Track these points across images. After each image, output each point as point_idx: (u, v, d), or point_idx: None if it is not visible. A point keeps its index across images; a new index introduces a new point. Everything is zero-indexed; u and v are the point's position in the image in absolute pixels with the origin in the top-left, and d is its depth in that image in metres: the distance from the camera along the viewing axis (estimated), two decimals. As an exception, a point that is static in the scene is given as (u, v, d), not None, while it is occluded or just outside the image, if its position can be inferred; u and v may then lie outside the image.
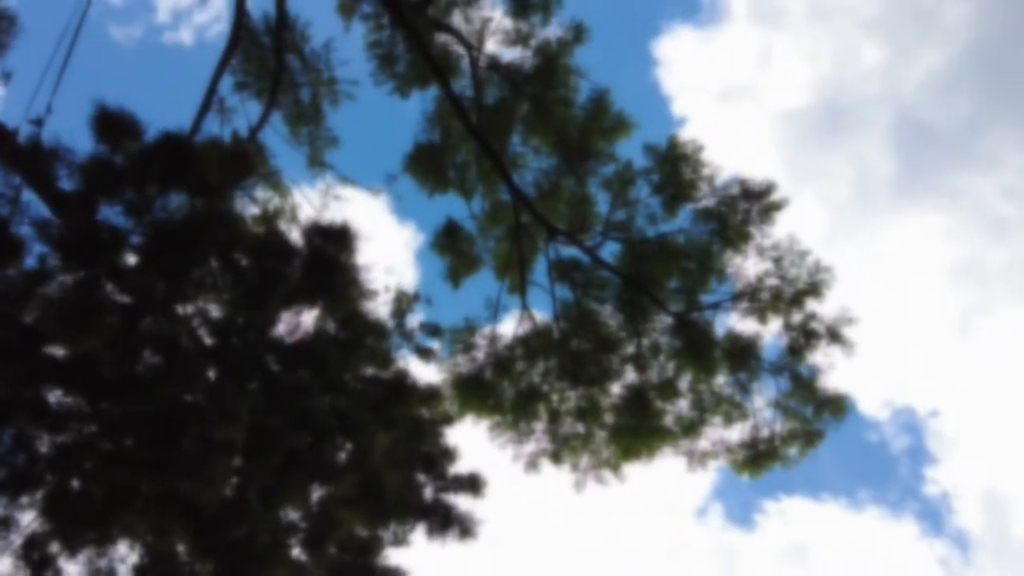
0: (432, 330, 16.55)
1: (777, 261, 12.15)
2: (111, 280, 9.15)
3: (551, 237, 13.22)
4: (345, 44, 15.03)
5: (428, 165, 14.41)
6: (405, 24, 12.44)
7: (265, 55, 13.92)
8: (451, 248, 15.65)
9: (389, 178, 15.83)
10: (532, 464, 12.75)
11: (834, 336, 11.94)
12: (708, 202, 12.65)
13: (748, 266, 12.34)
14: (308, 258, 11.67)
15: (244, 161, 10.57)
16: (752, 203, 12.16)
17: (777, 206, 12.18)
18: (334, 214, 17.00)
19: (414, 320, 17.62)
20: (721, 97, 30.83)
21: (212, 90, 13.41)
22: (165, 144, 8.63)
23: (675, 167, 12.58)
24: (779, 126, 31.76)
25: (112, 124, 7.96)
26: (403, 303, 17.33)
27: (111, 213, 8.77)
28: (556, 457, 12.70)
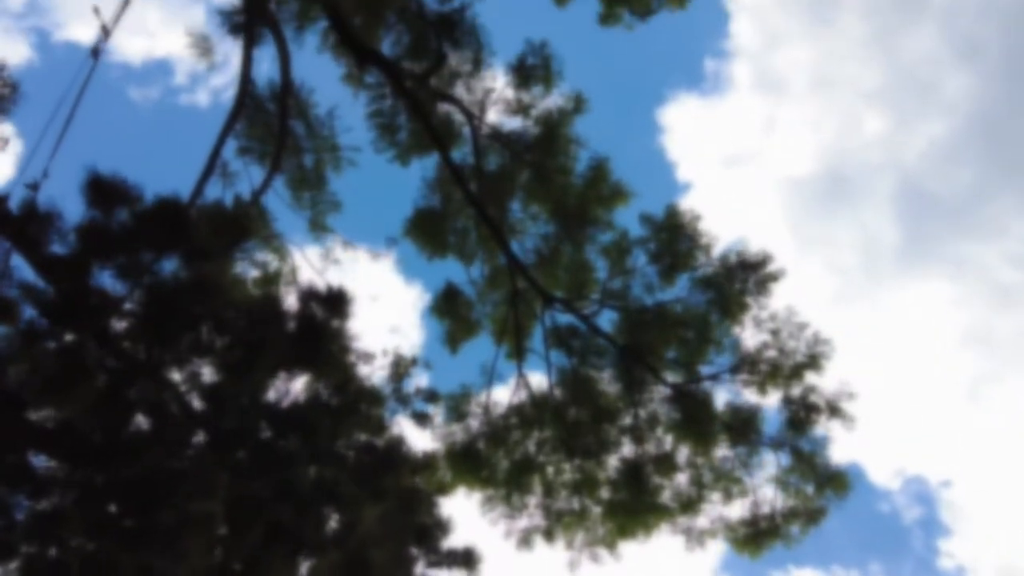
0: (429, 395, 16.34)
1: (775, 333, 12.01)
2: (99, 344, 9.08)
3: (547, 304, 13.14)
4: (348, 110, 15.26)
5: (428, 230, 14.47)
6: (406, 94, 12.64)
7: (270, 121, 14.12)
8: (450, 312, 15.60)
9: (390, 241, 15.92)
10: (525, 540, 12.39)
11: (834, 411, 11.71)
12: (706, 271, 12.59)
13: (746, 337, 12.20)
14: (299, 324, 11.63)
15: (240, 226, 10.59)
16: (749, 274, 12.09)
17: (774, 277, 12.12)
18: (337, 276, 16.98)
19: (412, 384, 17.46)
20: (726, 164, 31.21)
21: (215, 154, 13.58)
22: (160, 209, 8.67)
23: (672, 236, 12.57)
24: (783, 193, 32.02)
25: (104, 190, 7.97)
26: (401, 367, 17.15)
27: (104, 277, 8.77)
28: (549, 534, 12.34)
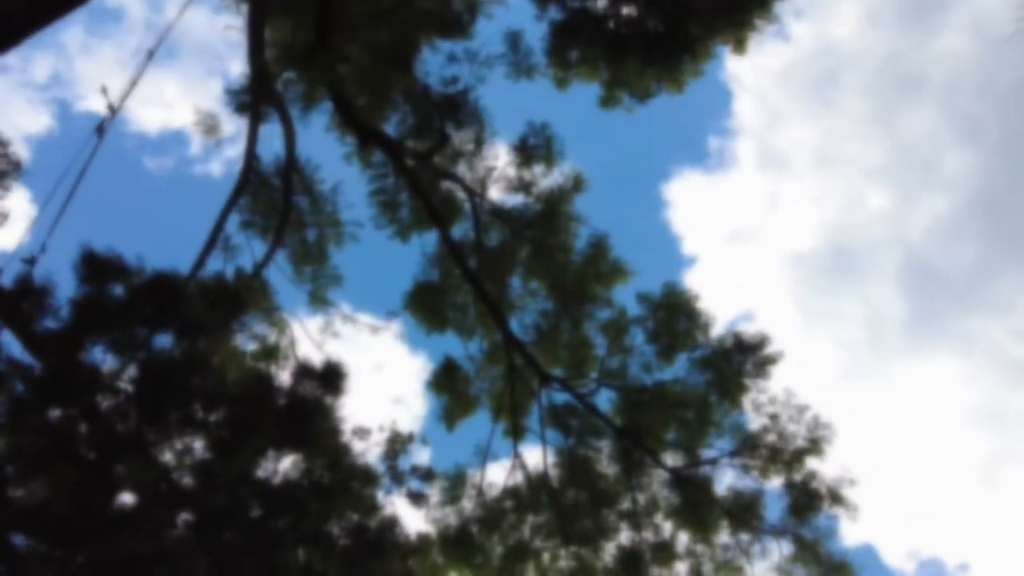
0: (425, 474, 16.05)
1: (774, 417, 11.81)
2: (88, 420, 8.97)
3: (544, 382, 13.00)
4: (352, 185, 15.48)
5: (427, 305, 14.47)
6: (407, 173, 12.84)
7: (274, 196, 14.33)
8: (448, 388, 15.44)
9: (390, 315, 15.91)
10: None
11: (836, 498, 11.40)
12: (704, 352, 12.48)
13: (746, 420, 12.00)
14: (291, 401, 11.50)
15: (236, 300, 10.62)
16: (747, 355, 11.97)
17: (772, 359, 11.98)
18: (341, 346, 16.84)
19: (408, 461, 17.15)
20: (730, 239, 31.42)
21: (218, 228, 13.74)
22: (154, 285, 8.70)
23: (671, 315, 12.52)
24: (788, 268, 32.10)
25: (98, 266, 8.02)
26: (397, 444, 16.91)
27: (96, 352, 8.73)
28: None
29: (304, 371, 12.59)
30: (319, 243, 15.02)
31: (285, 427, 10.28)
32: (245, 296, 11.18)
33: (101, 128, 8.79)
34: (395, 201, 13.86)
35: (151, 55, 9.75)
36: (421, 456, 15.97)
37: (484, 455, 12.67)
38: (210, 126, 12.60)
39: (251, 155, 12.88)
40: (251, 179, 13.25)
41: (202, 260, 13.89)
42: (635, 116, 17.00)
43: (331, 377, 13.10)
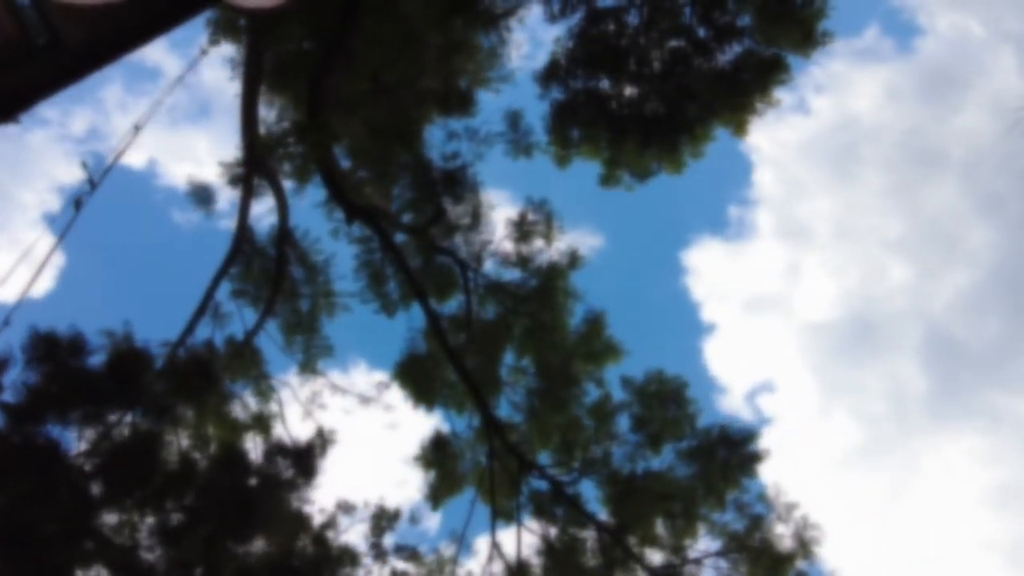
0: (410, 555, 15.59)
1: (758, 518, 11.31)
2: (44, 496, 8.81)
3: (524, 470, 12.63)
4: (345, 255, 15.44)
5: (415, 379, 14.25)
6: (393, 249, 12.82)
7: (267, 266, 14.36)
8: (436, 463, 15.10)
9: (380, 387, 15.69)
10: None
11: (824, 609, 10.80)
12: (691, 443, 12.08)
13: (733, 518, 11.49)
14: (260, 482, 11.29)
15: (206, 377, 10.52)
16: (733, 451, 11.55)
17: (759, 457, 11.54)
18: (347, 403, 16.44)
19: (393, 538, 16.70)
20: (749, 307, 31.09)
21: (208, 296, 13.76)
22: (117, 362, 8.62)
23: (659, 403, 12.18)
24: (808, 338, 31.56)
25: (49, 348, 7.97)
26: (382, 520, 16.52)
27: (54, 431, 8.62)
28: None
29: (276, 451, 12.43)
30: (311, 313, 14.97)
31: (250, 510, 10.05)
32: (217, 372, 11.07)
33: (79, 202, 8.85)
34: (382, 275, 13.80)
35: (137, 130, 9.89)
36: (428, 520, 15.50)
37: (460, 541, 12.23)
38: (203, 197, 12.74)
39: (242, 226, 12.96)
40: (243, 249, 13.30)
41: (191, 327, 13.89)
42: (656, 184, 17.01)
43: (305, 457, 12.90)
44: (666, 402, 12.29)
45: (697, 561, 11.62)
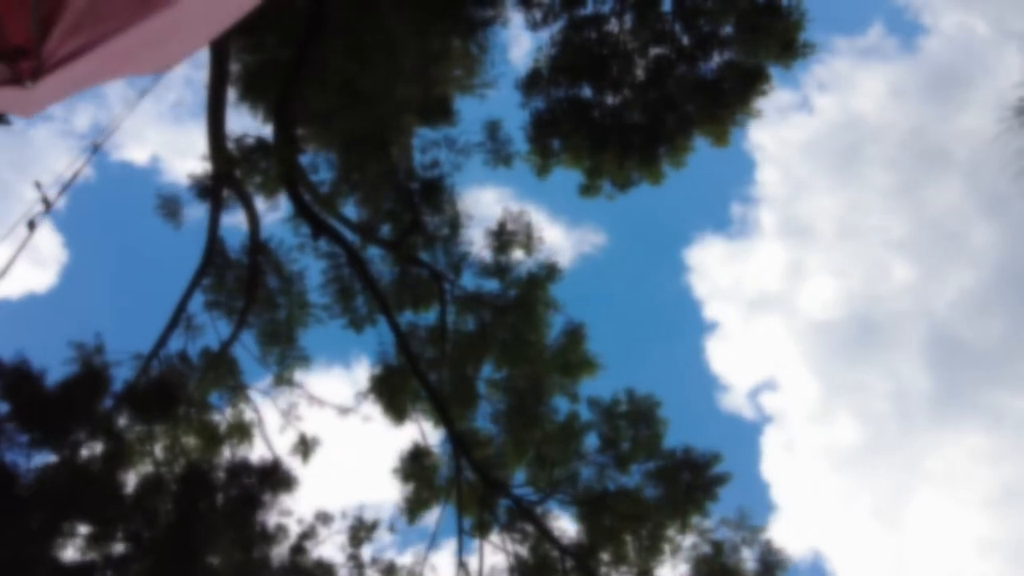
0: (387, 569, 15.50)
1: (722, 544, 11.19)
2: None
3: (490, 489, 12.53)
4: (315, 266, 15.28)
5: (388, 393, 14.15)
6: (358, 264, 12.71)
7: (241, 276, 14.28)
8: (414, 475, 15.01)
9: (358, 397, 15.59)
10: None
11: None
12: (658, 464, 11.95)
13: (698, 541, 11.37)
14: (228, 500, 11.21)
15: (168, 396, 10.45)
16: (695, 474, 11.42)
17: (721, 480, 11.40)
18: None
19: (371, 550, 16.63)
20: (752, 305, 31.05)
21: (181, 308, 13.70)
22: (69, 388, 8.54)
23: (629, 423, 12.07)
24: (811, 337, 31.51)
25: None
26: (361, 532, 16.44)
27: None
28: None
29: (242, 468, 12.36)
30: (287, 323, 14.89)
31: (209, 532, 9.99)
32: (181, 392, 10.99)
33: (32, 224, 8.75)
34: (350, 290, 13.69)
35: (96, 149, 9.79)
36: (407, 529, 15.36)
37: (425, 559, 12.17)
38: (171, 210, 12.64)
39: (212, 238, 12.87)
40: (214, 261, 13.22)
41: (164, 339, 13.84)
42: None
43: (272, 472, 12.84)
44: (637, 422, 12.17)
45: (663, 584, 11.53)
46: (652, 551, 11.67)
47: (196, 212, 14.12)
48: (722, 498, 13.31)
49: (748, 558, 11.10)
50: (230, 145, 11.86)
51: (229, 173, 12.00)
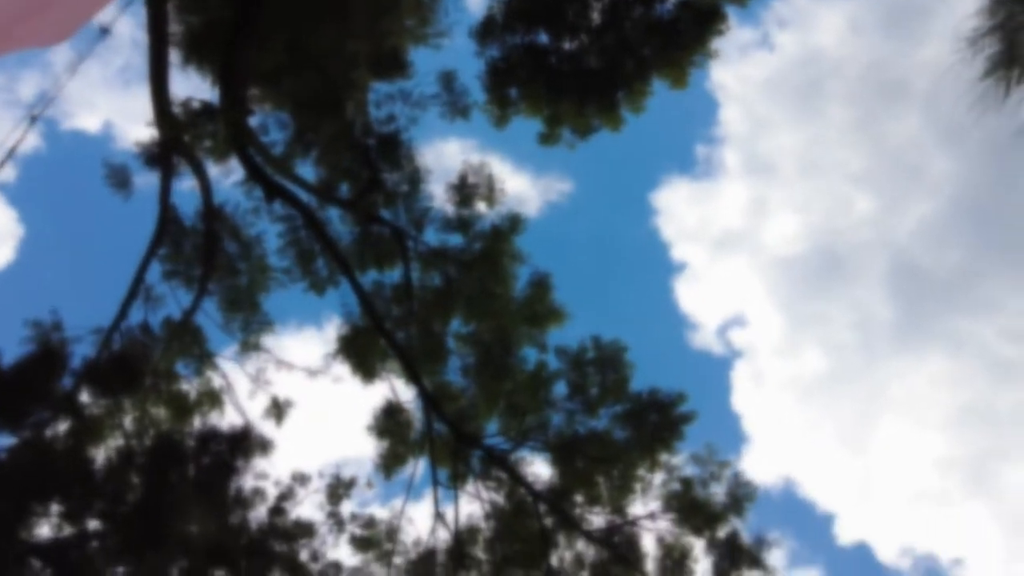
0: (366, 523, 15.69)
1: (691, 480, 11.54)
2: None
3: (461, 441, 12.69)
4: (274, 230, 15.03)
5: (356, 352, 14.14)
6: (316, 225, 12.55)
7: (198, 243, 14.04)
8: (389, 432, 15.12)
9: (327, 358, 15.56)
10: None
11: (754, 561, 11.08)
12: (626, 407, 12.19)
13: (668, 478, 11.71)
14: (199, 468, 11.23)
15: (131, 371, 10.34)
16: (662, 414, 11.68)
17: (686, 419, 11.71)
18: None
19: (351, 506, 16.82)
20: (718, 245, 31.57)
21: (139, 279, 13.47)
22: (25, 370, 8.40)
23: (597, 369, 12.24)
24: (775, 273, 32.22)
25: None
26: (339, 489, 16.60)
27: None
28: None
29: (212, 434, 12.35)
30: (249, 289, 14.72)
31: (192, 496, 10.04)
32: (141, 367, 10.88)
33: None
34: (309, 253, 13.55)
35: (35, 118, 9.48)
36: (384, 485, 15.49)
37: (402, 512, 12.38)
38: (121, 180, 12.31)
39: (165, 207, 12.60)
40: (168, 230, 12.97)
41: (124, 312, 13.63)
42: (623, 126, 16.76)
43: (242, 439, 12.86)
44: (604, 368, 12.35)
45: (633, 522, 11.85)
46: (624, 490, 11.98)
47: (147, 180, 13.83)
48: (694, 434, 13.78)
49: (717, 491, 11.47)
50: (176, 110, 11.54)
51: (177, 139, 11.68)
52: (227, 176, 12.83)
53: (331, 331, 15.72)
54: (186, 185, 13.03)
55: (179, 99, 11.54)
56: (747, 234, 32.35)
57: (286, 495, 15.83)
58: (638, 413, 12.00)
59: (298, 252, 13.47)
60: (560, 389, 12.79)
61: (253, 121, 12.15)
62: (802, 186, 31.26)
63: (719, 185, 30.77)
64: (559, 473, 12.26)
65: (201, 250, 13.69)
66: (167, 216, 12.79)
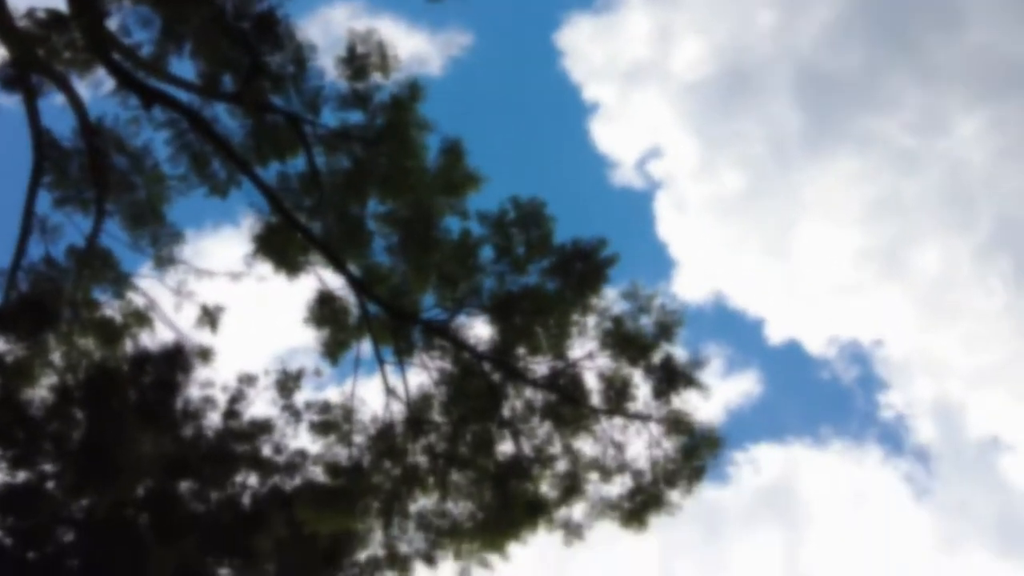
0: (322, 408, 16.06)
1: (621, 317, 12.13)
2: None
3: (397, 318, 12.90)
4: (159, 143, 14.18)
5: (274, 249, 13.90)
6: (202, 126, 11.92)
7: (83, 162, 13.23)
8: (326, 320, 15.19)
9: (247, 260, 15.27)
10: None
11: (689, 381, 11.95)
12: (551, 260, 12.51)
13: (600, 319, 12.30)
14: (139, 392, 11.20)
15: (44, 310, 9.99)
16: (586, 261, 12.07)
17: (610, 262, 12.14)
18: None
19: (303, 396, 17.18)
20: (628, 79, 31.40)
21: (29, 214, 12.72)
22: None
23: (519, 227, 12.42)
24: (686, 99, 32.49)
25: None
26: (288, 383, 16.86)
27: None
28: (430, 558, 12.49)
29: (145, 356, 12.22)
30: (149, 203, 14.10)
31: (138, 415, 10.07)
32: (54, 303, 10.51)
33: None
34: (202, 156, 12.92)
35: None
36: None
37: (352, 393, 12.78)
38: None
39: (38, 131, 11.71)
40: (48, 155, 12.13)
41: (21, 249, 12.95)
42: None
43: (176, 355, 12.78)
44: (526, 226, 12.52)
45: (575, 364, 12.51)
46: (561, 337, 12.53)
47: (11, 105, 12.75)
48: (625, 268, 14.22)
49: (647, 323, 12.14)
50: (22, 24, 10.46)
51: (30, 56, 10.67)
52: (97, 88, 11.91)
53: (249, 229, 15.34)
54: (55, 104, 12.07)
55: (21, 12, 10.43)
56: (655, 64, 32.14)
57: (237, 398, 16.04)
58: (564, 264, 12.35)
59: (190, 156, 12.83)
60: (487, 253, 12.96)
61: (112, 23, 11.15)
62: (703, 7, 30.88)
63: (621, 17, 30.08)
64: (498, 331, 12.68)
65: (88, 170, 12.92)
66: (42, 141, 11.92)
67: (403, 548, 12.55)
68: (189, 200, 15.32)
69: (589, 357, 12.42)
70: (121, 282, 15.18)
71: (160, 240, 14.47)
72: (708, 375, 11.80)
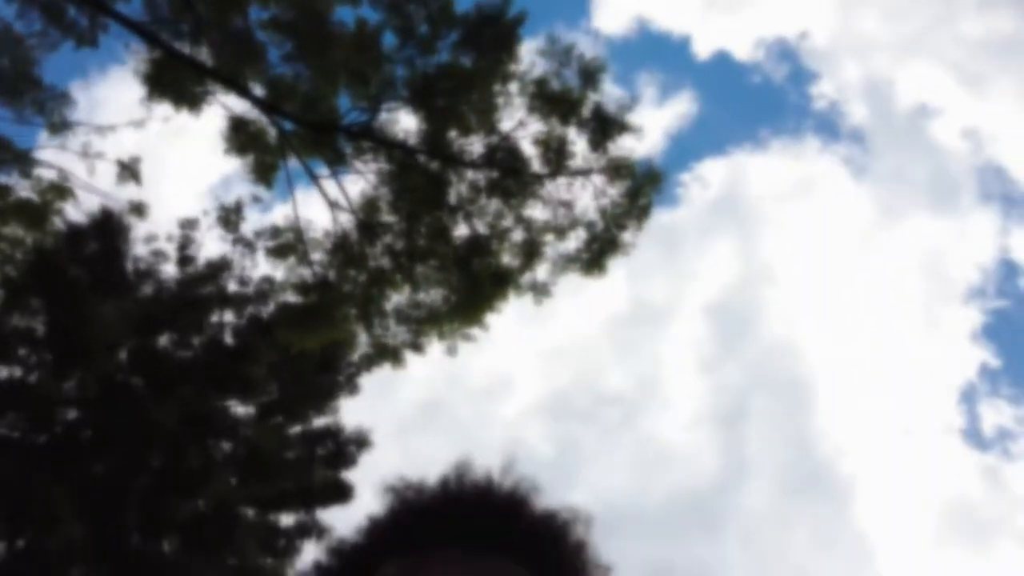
0: (272, 233, 16.02)
1: (541, 80, 11.77)
2: None
3: (320, 130, 12.42)
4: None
5: (168, 85, 12.99)
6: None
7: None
8: (246, 146, 14.67)
9: (143, 104, 14.32)
10: (397, 357, 13.20)
11: (623, 127, 11.90)
12: (458, 33, 11.82)
13: (522, 84, 11.95)
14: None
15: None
16: (494, 28, 11.40)
17: (517, 22, 11.48)
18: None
19: (250, 227, 17.10)
20: None
21: None
22: None
23: (420, 4, 11.58)
24: None
25: None
26: (231, 216, 16.67)
27: None
28: (417, 346, 13.13)
29: (75, 232, 11.83)
30: (17, 69, 12.83)
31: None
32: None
33: None
34: (55, 6, 11.53)
35: None
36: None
37: (295, 214, 12.72)
38: None
39: None
40: None
41: None
42: None
43: (108, 220, 12.37)
44: (424, 1, 11.67)
45: (508, 136, 12.36)
46: (488, 112, 12.26)
47: None
48: (540, 19, 13.27)
49: (571, 74, 11.85)
50: None
51: None
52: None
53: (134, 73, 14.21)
54: None
55: None
56: None
57: (185, 244, 15.88)
58: (473, 34, 11.70)
59: (41, 9, 11.47)
60: (390, 40, 12.20)
61: None
62: None
63: None
64: (424, 120, 12.33)
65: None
66: None
67: (389, 342, 13.18)
68: (61, 56, 14.03)
69: (520, 125, 12.25)
70: (23, 160, 14.30)
71: (46, 106, 13.41)
72: (643, 105, 11.75)
